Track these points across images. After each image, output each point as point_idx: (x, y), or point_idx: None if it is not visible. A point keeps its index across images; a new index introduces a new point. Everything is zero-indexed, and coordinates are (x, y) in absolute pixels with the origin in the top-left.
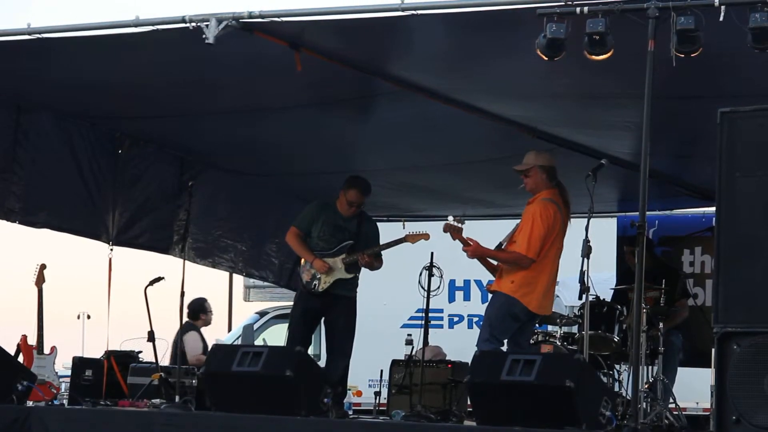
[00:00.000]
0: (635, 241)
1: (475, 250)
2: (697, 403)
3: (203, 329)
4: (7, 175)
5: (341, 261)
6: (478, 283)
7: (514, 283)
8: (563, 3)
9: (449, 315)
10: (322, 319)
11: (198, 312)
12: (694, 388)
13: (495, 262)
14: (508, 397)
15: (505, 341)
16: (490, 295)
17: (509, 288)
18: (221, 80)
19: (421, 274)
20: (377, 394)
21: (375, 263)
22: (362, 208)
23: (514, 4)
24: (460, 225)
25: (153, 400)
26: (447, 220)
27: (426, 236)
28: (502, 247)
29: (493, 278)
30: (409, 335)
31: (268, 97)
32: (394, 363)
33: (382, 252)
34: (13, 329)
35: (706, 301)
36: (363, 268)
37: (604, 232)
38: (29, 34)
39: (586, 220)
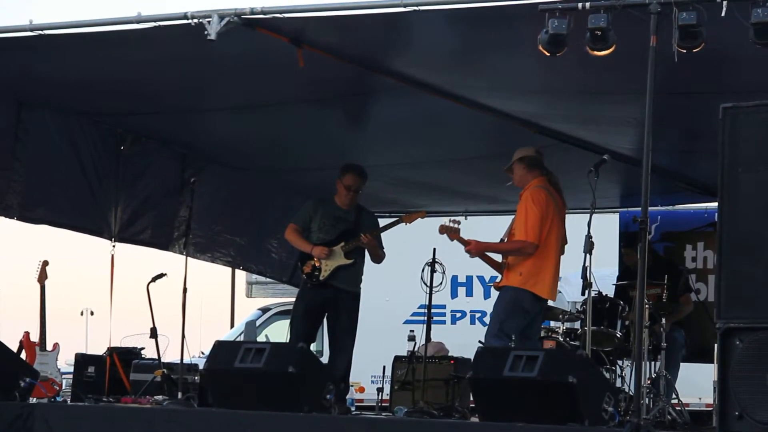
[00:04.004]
0: (631, 241)
1: (476, 248)
2: (700, 398)
3: None
4: (7, 172)
5: (340, 248)
6: (481, 279)
7: (523, 275)
8: None
9: (452, 311)
10: (325, 315)
11: None
12: (696, 383)
13: (498, 259)
14: (511, 393)
15: (513, 336)
16: (493, 291)
17: (518, 281)
18: (223, 76)
19: (423, 270)
20: (380, 390)
21: (378, 250)
22: (360, 194)
23: (515, 0)
24: (456, 225)
25: (156, 397)
26: (449, 217)
27: (422, 214)
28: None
29: (497, 275)
30: (412, 331)
31: (269, 93)
32: (397, 359)
33: (384, 248)
34: (15, 326)
35: (709, 296)
36: (365, 262)
37: (607, 227)
38: (31, 30)
39: (588, 215)
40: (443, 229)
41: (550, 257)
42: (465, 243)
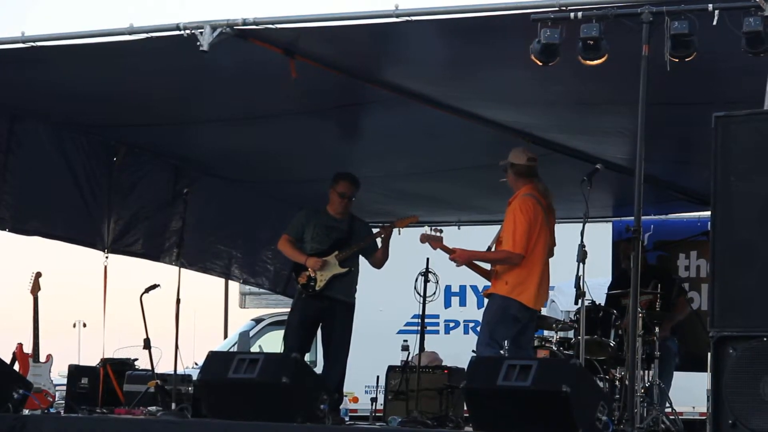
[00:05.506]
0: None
1: (461, 256)
2: (694, 407)
3: None
4: None
5: (334, 257)
6: (474, 288)
7: (509, 283)
8: (557, 8)
9: (445, 321)
10: (320, 325)
11: None
12: (690, 392)
13: (487, 267)
14: (505, 402)
15: (505, 344)
16: (486, 300)
17: (504, 289)
18: (216, 88)
19: (416, 280)
20: (374, 400)
21: (387, 250)
22: (353, 203)
23: (508, 10)
24: (438, 234)
25: (149, 408)
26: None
27: (414, 218)
28: (491, 250)
29: (490, 284)
30: (405, 341)
31: (263, 104)
32: (391, 369)
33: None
34: (8, 337)
35: (702, 305)
36: (359, 272)
37: (600, 237)
38: (23, 42)
39: (581, 225)
40: (425, 238)
41: (537, 266)
42: (449, 251)
